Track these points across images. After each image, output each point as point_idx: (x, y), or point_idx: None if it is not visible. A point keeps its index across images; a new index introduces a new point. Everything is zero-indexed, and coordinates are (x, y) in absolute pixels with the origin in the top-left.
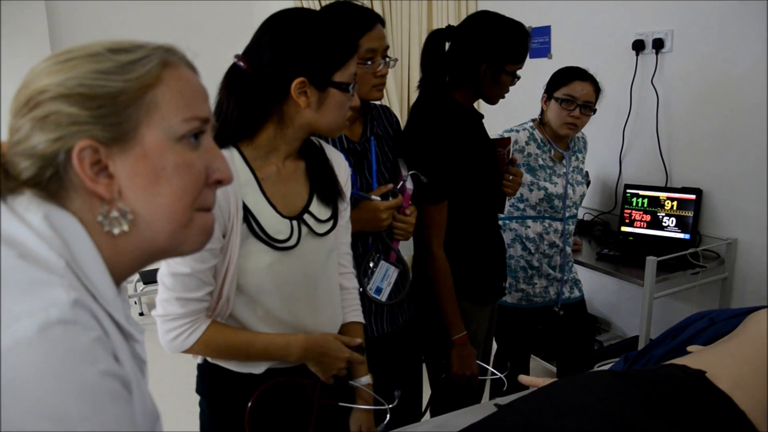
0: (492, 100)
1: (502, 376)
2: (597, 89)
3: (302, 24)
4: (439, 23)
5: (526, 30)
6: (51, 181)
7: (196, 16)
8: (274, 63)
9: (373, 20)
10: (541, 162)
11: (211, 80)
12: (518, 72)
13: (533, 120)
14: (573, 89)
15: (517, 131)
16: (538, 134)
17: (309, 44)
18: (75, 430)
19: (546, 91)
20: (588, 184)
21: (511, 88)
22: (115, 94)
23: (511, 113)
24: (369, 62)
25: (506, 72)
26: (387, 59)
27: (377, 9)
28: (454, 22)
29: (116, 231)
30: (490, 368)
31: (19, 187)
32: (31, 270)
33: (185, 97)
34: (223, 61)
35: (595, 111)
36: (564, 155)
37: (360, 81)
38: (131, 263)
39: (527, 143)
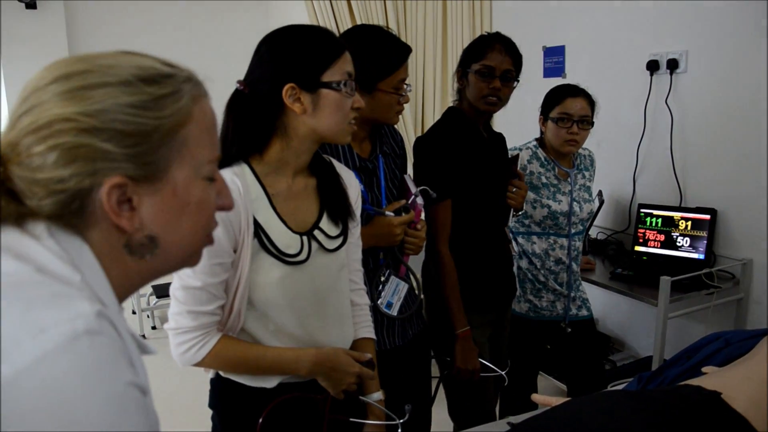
0: (478, 104)
1: (502, 373)
2: (591, 103)
3: (287, 35)
4: (454, 24)
5: (492, 34)
6: (72, 214)
7: (213, 19)
8: (266, 76)
9: (408, 52)
10: (544, 180)
11: (228, 83)
12: (488, 67)
13: (537, 139)
14: (566, 107)
15: (520, 149)
16: (541, 153)
17: (293, 50)
18: None
19: (542, 113)
20: (602, 203)
21: (516, 107)
22: (149, 132)
23: (525, 132)
24: (401, 92)
25: (473, 72)
26: (407, 86)
27: (390, 10)
28: (469, 24)
29: (147, 256)
30: (491, 365)
31: (29, 216)
32: (51, 284)
33: (210, 133)
34: (239, 64)
35: (592, 124)
36: (569, 173)
37: (388, 107)
38: (138, 284)
39: (529, 161)
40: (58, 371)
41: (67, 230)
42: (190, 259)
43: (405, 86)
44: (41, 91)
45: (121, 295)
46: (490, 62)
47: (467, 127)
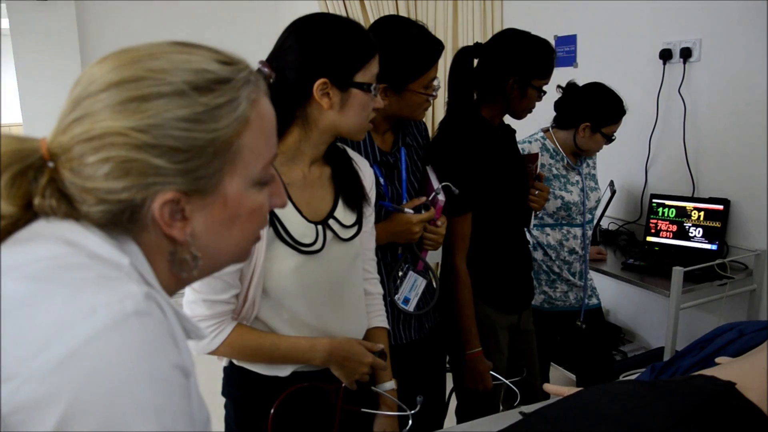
0: (519, 115)
1: (515, 389)
2: None
3: (324, 27)
4: (464, 24)
5: (552, 46)
6: (122, 222)
7: (223, 18)
8: (297, 65)
9: (440, 50)
10: (555, 171)
11: None
12: (544, 87)
13: (544, 130)
14: (619, 125)
15: (529, 142)
16: (549, 144)
17: (330, 45)
18: (150, 421)
19: (590, 120)
20: (613, 193)
21: (537, 103)
22: (203, 146)
23: (535, 120)
24: (431, 92)
25: (533, 86)
26: (437, 81)
27: (401, 8)
28: (480, 24)
29: (184, 275)
30: (504, 379)
31: (79, 218)
32: (101, 267)
33: (265, 137)
34: (250, 62)
35: None
36: (576, 168)
37: (416, 107)
38: (180, 287)
39: (540, 154)
40: (108, 351)
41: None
42: (238, 260)
43: (434, 84)
44: (93, 98)
45: (168, 291)
46: (549, 80)
47: (487, 133)
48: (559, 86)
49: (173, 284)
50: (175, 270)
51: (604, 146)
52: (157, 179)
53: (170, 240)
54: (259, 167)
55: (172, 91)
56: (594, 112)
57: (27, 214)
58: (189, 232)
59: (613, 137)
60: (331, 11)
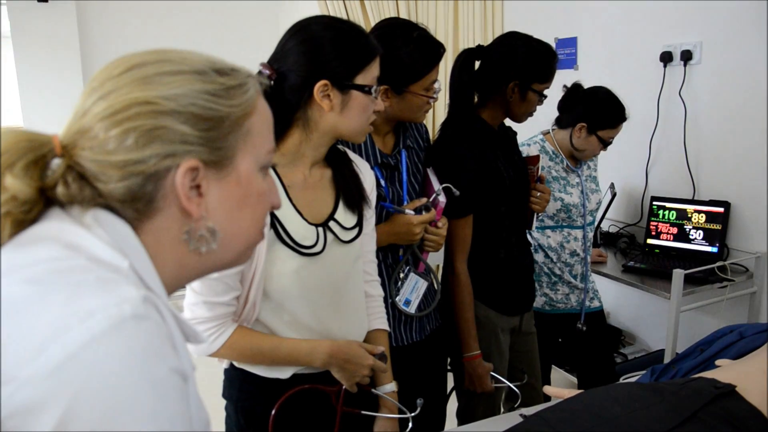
0: (519, 118)
1: (516, 390)
2: None
3: (325, 29)
4: (465, 25)
5: (554, 51)
6: (142, 199)
7: (224, 20)
8: (298, 67)
9: (441, 53)
10: (554, 174)
11: None
12: (545, 92)
13: (544, 133)
14: (616, 131)
15: (528, 145)
16: (549, 146)
17: (331, 48)
18: (147, 425)
19: (586, 121)
20: (614, 195)
21: (537, 107)
22: (222, 118)
23: (535, 122)
24: (431, 94)
25: (533, 90)
26: (437, 83)
27: (402, 9)
28: (480, 24)
29: (204, 249)
30: (507, 382)
31: (99, 199)
32: (100, 270)
33: (268, 126)
34: (250, 64)
35: None
36: (576, 170)
37: (417, 109)
38: (192, 276)
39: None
40: (105, 355)
41: (117, 217)
42: (244, 254)
43: (435, 86)
44: (115, 79)
45: (173, 286)
46: (550, 84)
47: (487, 135)
48: (564, 86)
49: (188, 273)
50: (193, 246)
51: (602, 151)
52: (181, 147)
53: (185, 217)
54: (264, 151)
55: (194, 70)
56: (592, 112)
57: (40, 201)
58: (204, 209)
59: (610, 142)
60: (332, 12)
